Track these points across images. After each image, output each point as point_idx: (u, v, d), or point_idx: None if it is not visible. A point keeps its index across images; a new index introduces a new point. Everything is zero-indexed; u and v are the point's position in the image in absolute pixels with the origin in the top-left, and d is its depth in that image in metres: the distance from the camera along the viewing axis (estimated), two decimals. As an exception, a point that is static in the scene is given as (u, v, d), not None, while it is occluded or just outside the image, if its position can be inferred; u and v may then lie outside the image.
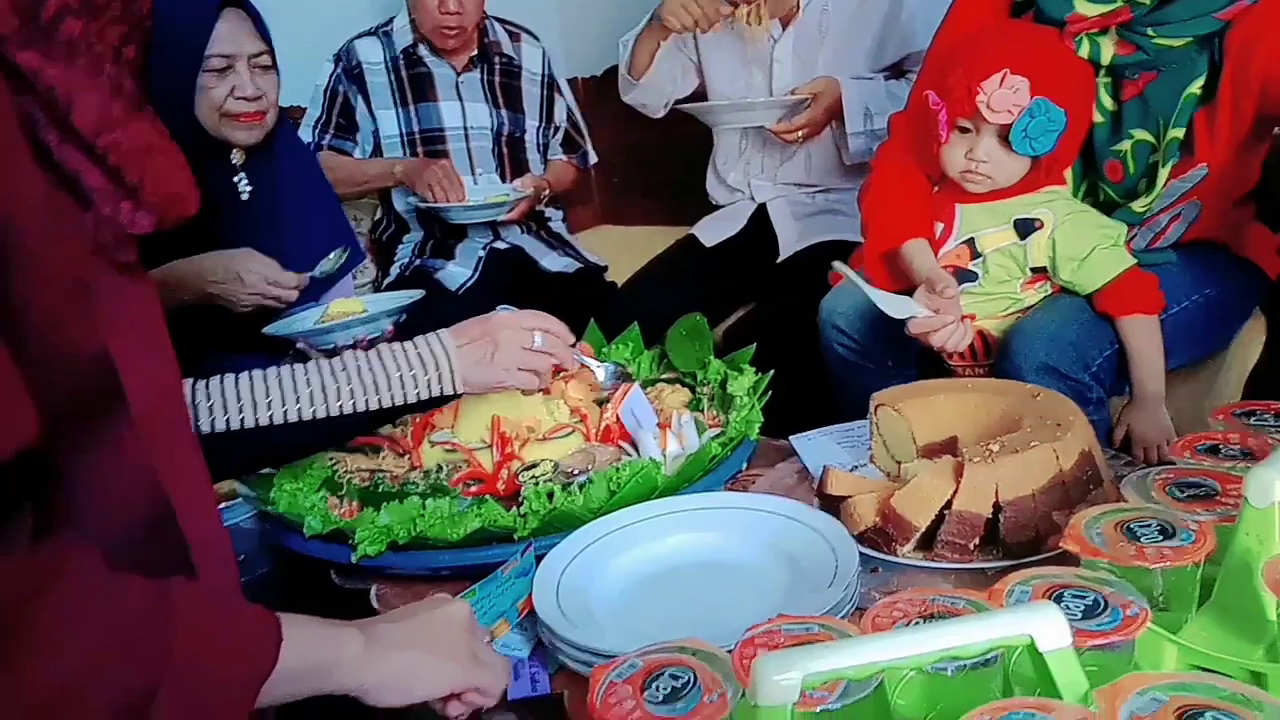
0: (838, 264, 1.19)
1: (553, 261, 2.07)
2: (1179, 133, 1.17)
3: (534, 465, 0.99)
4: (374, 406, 0.94)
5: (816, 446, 1.08)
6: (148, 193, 0.56)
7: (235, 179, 1.47)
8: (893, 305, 1.17)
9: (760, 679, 0.47)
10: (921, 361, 1.31)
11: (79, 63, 0.52)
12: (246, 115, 1.40)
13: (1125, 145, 1.22)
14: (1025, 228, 1.23)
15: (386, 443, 1.14)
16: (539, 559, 0.84)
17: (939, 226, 1.27)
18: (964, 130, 1.20)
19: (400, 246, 2.08)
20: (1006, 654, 0.57)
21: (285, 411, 0.90)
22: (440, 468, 1.05)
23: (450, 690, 0.65)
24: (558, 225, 2.18)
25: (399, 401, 0.94)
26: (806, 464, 1.05)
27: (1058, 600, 0.58)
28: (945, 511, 0.81)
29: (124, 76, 0.56)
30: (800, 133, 1.78)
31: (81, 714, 0.48)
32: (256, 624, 0.56)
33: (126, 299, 0.57)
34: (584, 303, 1.88)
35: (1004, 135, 1.17)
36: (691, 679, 0.54)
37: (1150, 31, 1.15)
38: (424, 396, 0.95)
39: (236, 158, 1.46)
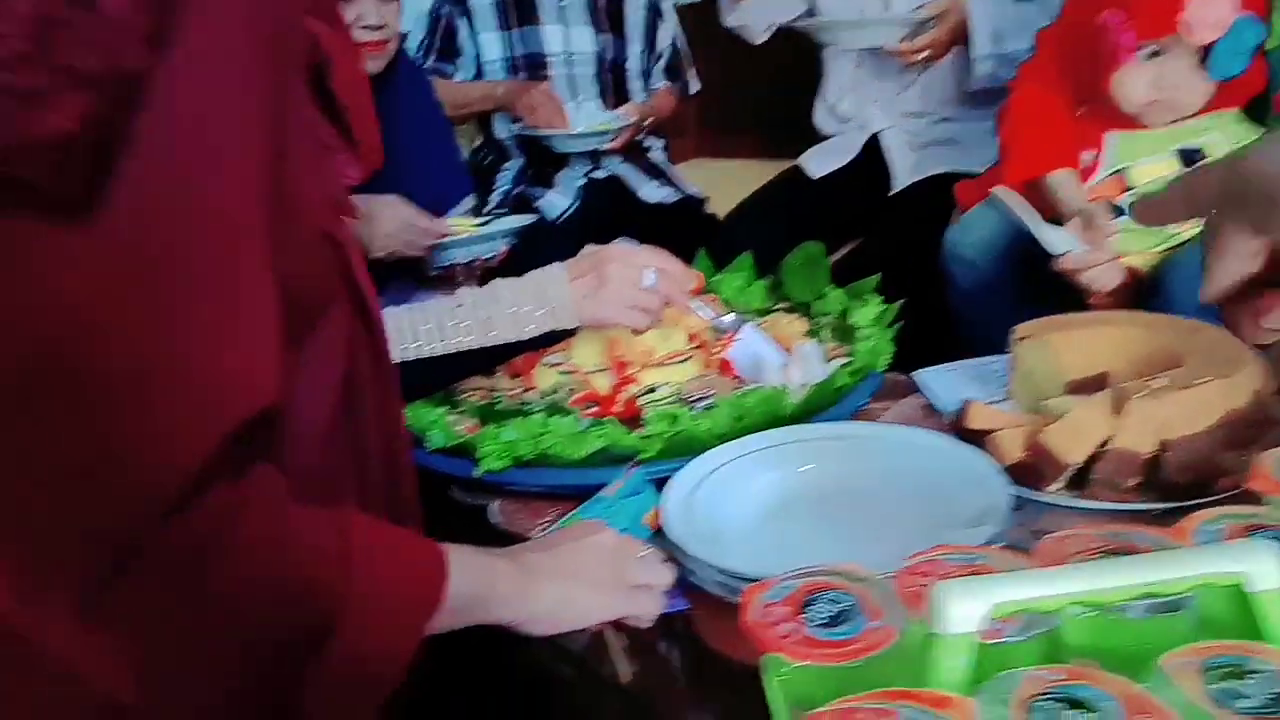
0: (997, 190, 1.11)
1: (652, 192, 2.04)
2: None
3: (654, 388, 0.97)
4: (490, 342, 0.92)
5: (943, 381, 1.03)
6: (364, 146, 0.58)
7: None
8: (1054, 239, 1.09)
9: (945, 606, 0.44)
10: (1055, 298, 1.24)
11: (338, 24, 0.55)
12: (370, 44, 1.40)
13: None
14: (1190, 158, 1.14)
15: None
16: (658, 482, 0.82)
17: (1087, 155, 1.18)
18: (1153, 54, 1.10)
19: (500, 174, 2.06)
20: (1195, 597, 0.52)
21: (403, 351, 0.89)
22: (556, 389, 1.04)
23: (601, 620, 0.66)
24: (658, 155, 2.14)
25: (513, 337, 0.93)
26: (934, 399, 1.00)
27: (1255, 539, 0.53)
28: (1101, 449, 0.76)
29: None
30: (922, 54, 1.69)
31: (262, 644, 0.50)
32: (426, 556, 0.57)
33: None
34: (684, 235, 1.84)
35: (1198, 57, 1.07)
36: (854, 603, 0.52)
37: None
38: (538, 332, 0.93)
39: None
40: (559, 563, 0.65)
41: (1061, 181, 1.15)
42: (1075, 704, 0.42)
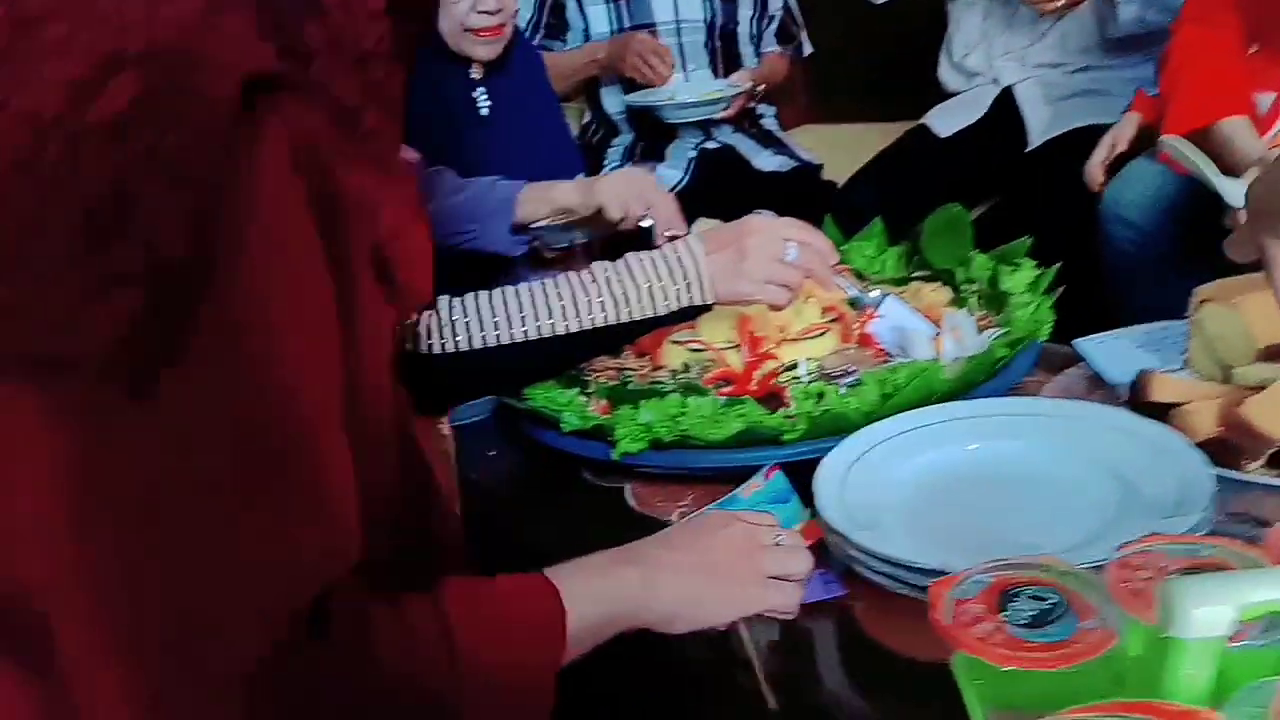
0: (1168, 139, 1.02)
1: (766, 161, 1.97)
2: None
3: (793, 365, 0.93)
4: (624, 319, 0.88)
5: (1111, 351, 0.95)
6: (405, 290, 0.57)
7: (474, 94, 1.46)
8: (1233, 190, 0.99)
9: (1184, 607, 0.39)
10: (1225, 259, 1.13)
11: (386, 170, 0.53)
12: (487, 30, 1.38)
13: None
14: None
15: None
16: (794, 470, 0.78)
17: (1268, 98, 1.06)
18: None
19: (609, 150, 2.04)
20: None
21: (539, 326, 0.86)
22: (687, 367, 1.01)
23: (737, 615, 0.63)
24: (770, 122, 2.07)
25: (649, 313, 0.88)
26: (1100, 371, 0.92)
27: None
28: (1313, 423, 0.68)
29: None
30: (1059, 2, 1.57)
31: None
32: (538, 605, 0.56)
33: None
34: (800, 204, 1.78)
35: None
36: (1060, 601, 0.47)
37: None
38: (674, 307, 0.89)
39: (475, 72, 1.46)
40: (686, 559, 0.62)
41: (1235, 129, 1.04)
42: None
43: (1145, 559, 0.48)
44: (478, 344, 0.86)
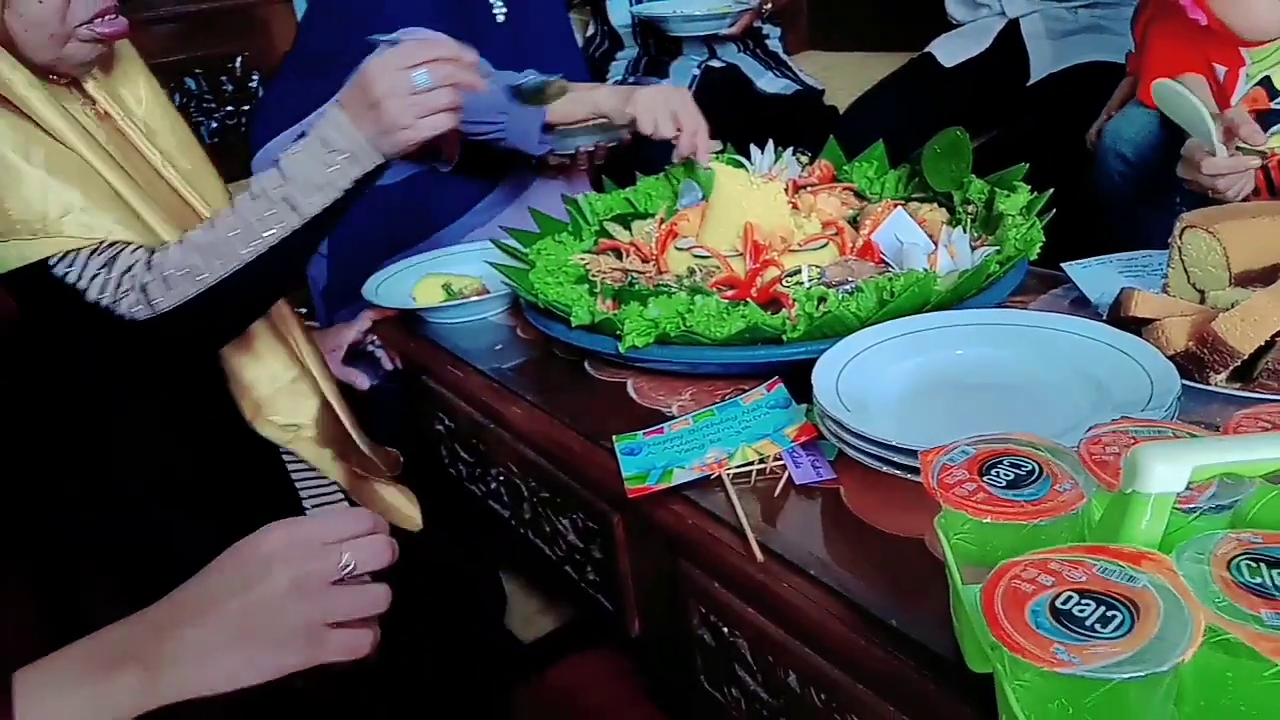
0: (1163, 81, 1.06)
1: (770, 82, 1.98)
2: None
3: (796, 272, 0.97)
4: (309, 215, 0.88)
5: (1094, 274, 1.00)
6: None
7: (494, 11, 1.46)
8: (1217, 134, 1.04)
9: (1146, 465, 0.44)
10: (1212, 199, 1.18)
11: None
12: None
13: None
14: None
15: (630, 248, 1.15)
16: (802, 364, 0.83)
17: (1220, 70, 1.12)
18: None
19: (613, 64, 2.04)
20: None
21: (225, 265, 0.87)
22: (692, 272, 1.05)
23: (283, 674, 0.54)
24: (774, 44, 2.07)
25: (329, 200, 0.88)
26: (1085, 291, 0.98)
27: None
28: (1275, 339, 0.74)
29: None
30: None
31: None
32: None
33: None
34: (802, 127, 1.80)
35: None
36: (1036, 468, 0.52)
37: None
38: (349, 182, 0.88)
39: None
40: (206, 632, 0.53)
41: (1195, 85, 1.13)
42: (1276, 564, 0.43)
43: (1114, 437, 0.54)
44: (193, 291, 0.87)
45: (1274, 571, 0.42)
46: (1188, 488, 0.45)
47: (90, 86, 0.97)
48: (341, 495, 1.05)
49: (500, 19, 1.49)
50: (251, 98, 2.21)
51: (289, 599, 0.53)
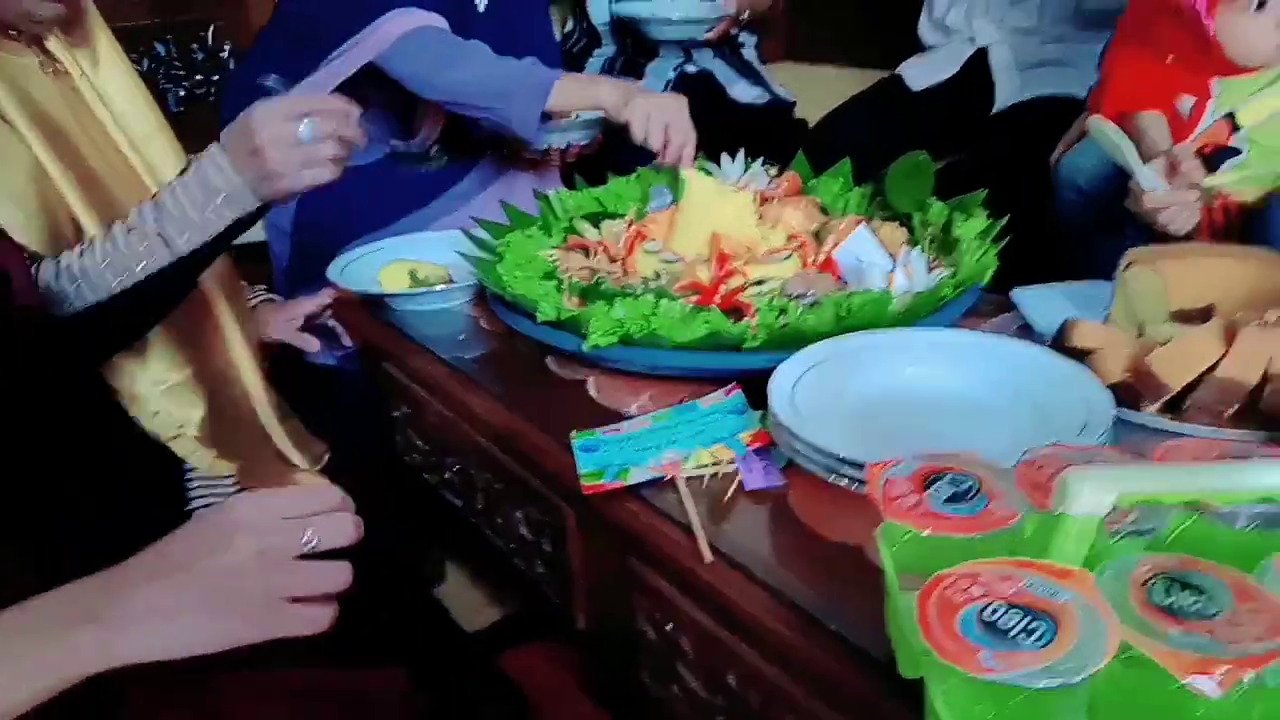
0: (1094, 120, 1.11)
1: (743, 91, 2.01)
2: None
3: (759, 282, 1.00)
4: (184, 252, 0.88)
5: (1042, 301, 1.04)
6: None
7: None
8: (1148, 175, 1.09)
9: (1075, 489, 0.47)
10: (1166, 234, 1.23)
11: None
12: None
13: None
14: None
15: (598, 246, 1.16)
16: (759, 373, 0.85)
17: (1187, 102, 1.17)
18: (1260, 5, 1.10)
19: (590, 60, 2.05)
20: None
21: (122, 284, 0.87)
22: (657, 275, 1.07)
23: (241, 644, 0.54)
24: (750, 53, 2.10)
25: (204, 238, 0.89)
26: (1031, 319, 1.02)
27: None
28: (1205, 375, 0.78)
29: None
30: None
31: None
32: None
33: None
34: (772, 139, 1.83)
35: None
36: (975, 485, 0.55)
37: None
38: (224, 224, 0.89)
39: None
40: (166, 595, 0.53)
41: (1151, 122, 1.18)
42: (1189, 586, 0.46)
43: (1048, 460, 0.57)
44: (63, 314, 0.87)
45: (1185, 593, 0.45)
46: (1113, 511, 0.48)
47: (51, 44, 0.96)
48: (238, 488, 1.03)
49: (482, 8, 1.50)
50: (223, 68, 2.18)
51: (250, 570, 0.53)
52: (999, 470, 0.56)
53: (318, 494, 0.58)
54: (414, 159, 1.55)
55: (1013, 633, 0.43)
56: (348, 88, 1.40)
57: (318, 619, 0.55)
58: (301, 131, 0.87)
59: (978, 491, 0.55)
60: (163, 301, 0.94)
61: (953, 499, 0.54)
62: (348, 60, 1.38)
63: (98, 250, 0.89)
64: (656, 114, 1.27)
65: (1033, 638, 0.43)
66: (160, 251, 0.88)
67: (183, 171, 0.91)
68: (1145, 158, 1.13)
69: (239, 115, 0.88)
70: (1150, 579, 0.46)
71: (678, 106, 1.29)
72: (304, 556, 0.55)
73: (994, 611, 0.44)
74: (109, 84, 1.01)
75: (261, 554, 0.54)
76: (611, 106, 1.30)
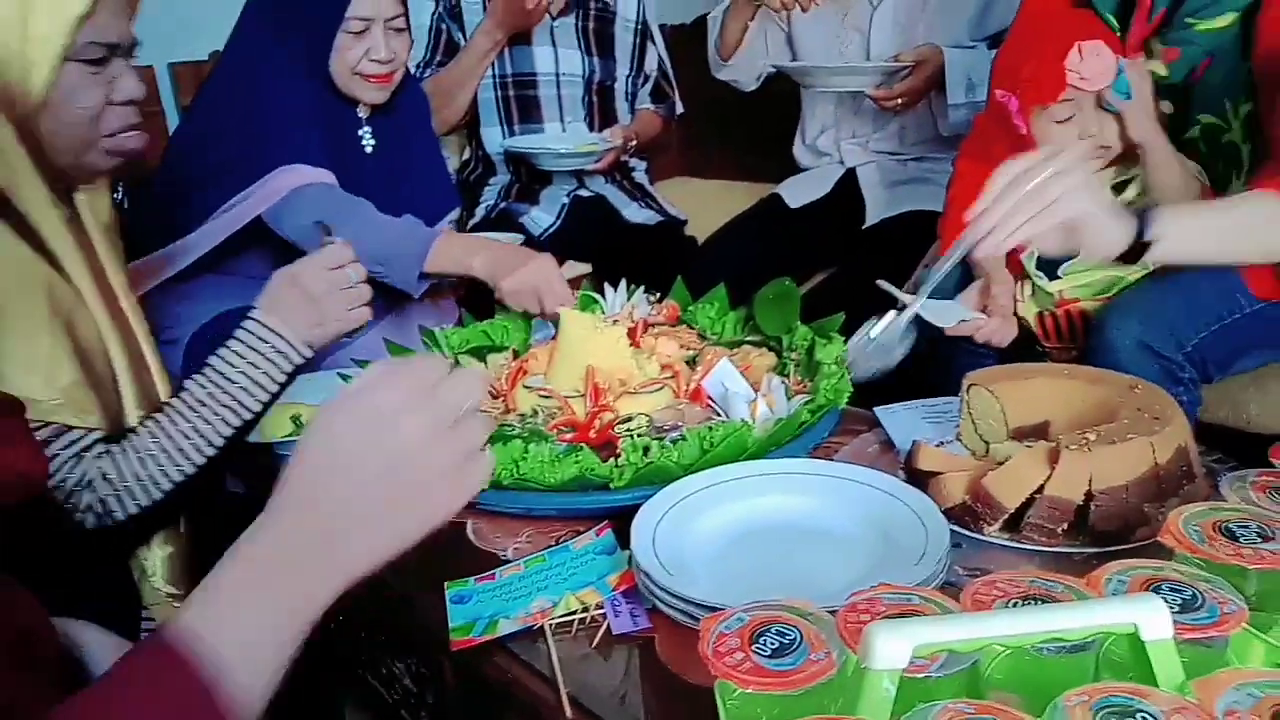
0: (882, 283, 1.20)
1: (635, 213, 2.09)
2: (1249, 107, 1.16)
3: (629, 419, 1.03)
4: (254, 410, 0.96)
5: (901, 419, 1.10)
6: None
7: (360, 132, 1.52)
8: (940, 314, 1.18)
9: (874, 645, 0.50)
10: (1017, 344, 1.32)
11: None
12: (377, 76, 1.45)
13: (1194, 132, 1.23)
14: (1119, 189, 1.28)
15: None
16: (631, 509, 0.88)
17: None
18: (1061, 121, 1.24)
19: (486, 188, 2.11)
20: (1102, 639, 0.59)
21: (188, 464, 0.92)
22: (536, 412, 1.09)
23: (442, 521, 0.54)
24: (640, 176, 2.20)
25: (270, 393, 0.97)
26: (891, 436, 1.07)
27: (1155, 592, 0.59)
28: (1036, 495, 0.83)
29: None
30: (899, 100, 1.76)
31: None
32: (172, 691, 0.47)
33: None
34: (664, 256, 1.91)
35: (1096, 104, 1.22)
36: (798, 637, 0.57)
37: (1190, 20, 1.14)
38: (281, 379, 0.98)
39: (362, 112, 1.52)
40: (362, 506, 0.52)
41: None
42: (982, 734, 0.49)
43: (869, 604, 0.60)
44: (145, 502, 0.90)
45: (978, 741, 0.48)
46: (913, 661, 0.51)
47: (77, 196, 0.96)
48: None
49: (369, 150, 1.55)
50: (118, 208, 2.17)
51: (429, 445, 0.52)
52: (822, 619, 0.59)
53: (433, 364, 0.56)
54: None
55: (817, 798, 0.45)
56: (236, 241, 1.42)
57: (485, 472, 0.55)
58: (350, 276, 0.98)
59: (799, 643, 0.57)
60: (231, 453, 0.97)
61: (777, 652, 0.56)
62: (236, 215, 1.40)
63: (166, 433, 0.91)
64: (529, 288, 1.32)
65: (834, 801, 0.45)
66: (229, 414, 0.93)
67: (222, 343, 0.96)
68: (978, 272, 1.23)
69: (276, 276, 0.98)
70: (947, 728, 0.49)
71: (546, 271, 1.32)
72: None
73: (800, 776, 0.46)
74: (108, 233, 1.01)
75: (432, 425, 0.53)
76: (484, 277, 1.35)
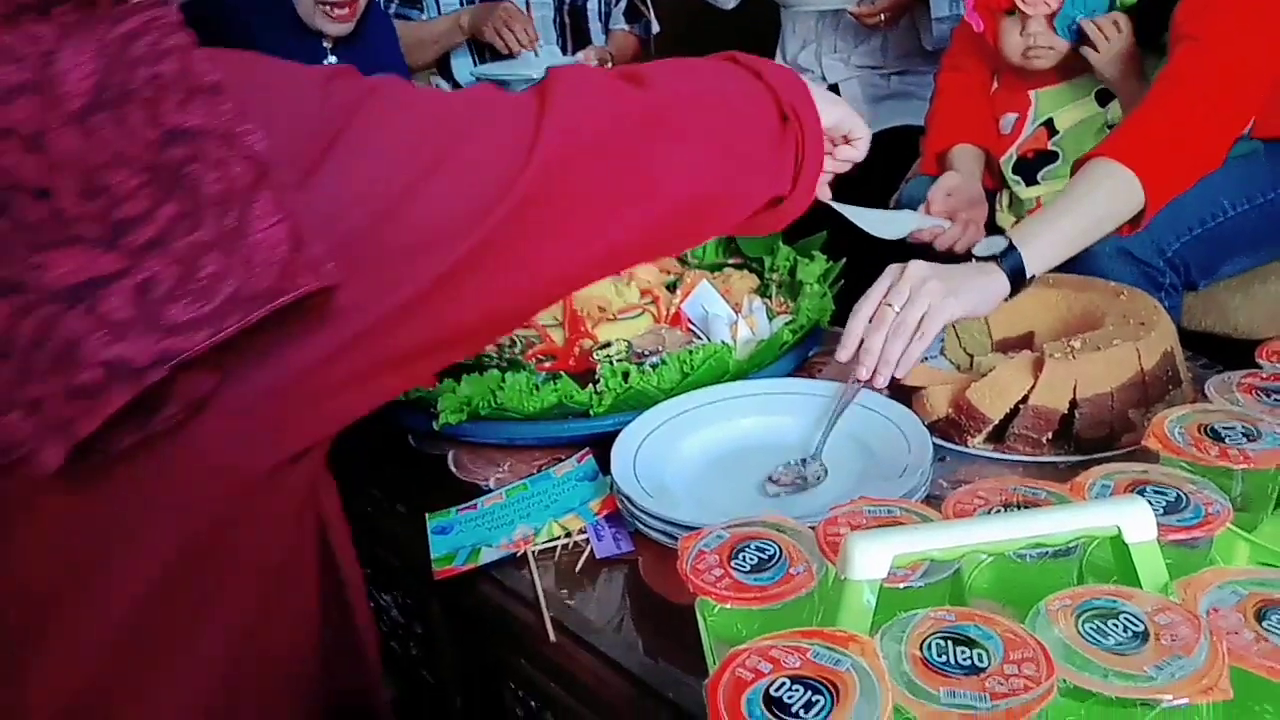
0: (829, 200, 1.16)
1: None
2: None
3: (608, 344, 1.01)
4: None
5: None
6: None
7: (325, 63, 1.51)
8: (886, 226, 1.12)
9: (852, 555, 0.49)
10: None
11: None
12: (339, 8, 1.45)
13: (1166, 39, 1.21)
14: (1105, 96, 1.26)
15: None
16: (612, 435, 0.86)
17: (1011, 118, 1.28)
18: (1009, 13, 1.24)
19: (459, 119, 2.06)
20: (1085, 544, 0.58)
21: None
22: (513, 342, 1.07)
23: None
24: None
25: None
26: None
27: (1140, 494, 0.58)
28: (1020, 405, 0.82)
29: None
30: (879, 18, 1.71)
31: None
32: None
33: None
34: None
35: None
36: (777, 552, 0.57)
37: None
38: None
39: (326, 43, 1.52)
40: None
41: (957, 155, 1.31)
42: (963, 641, 0.48)
43: (849, 517, 0.59)
44: None
45: (959, 649, 0.47)
46: (893, 572, 0.50)
47: None
48: None
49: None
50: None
51: None
52: (802, 533, 0.58)
53: None
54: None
55: (795, 708, 0.44)
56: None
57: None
58: None
59: (779, 558, 0.56)
60: None
61: (756, 568, 0.56)
62: None
63: None
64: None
65: (812, 711, 0.44)
66: None
67: None
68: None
69: None
70: (928, 637, 0.48)
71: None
72: None
73: (779, 688, 0.46)
74: None
75: None
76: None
